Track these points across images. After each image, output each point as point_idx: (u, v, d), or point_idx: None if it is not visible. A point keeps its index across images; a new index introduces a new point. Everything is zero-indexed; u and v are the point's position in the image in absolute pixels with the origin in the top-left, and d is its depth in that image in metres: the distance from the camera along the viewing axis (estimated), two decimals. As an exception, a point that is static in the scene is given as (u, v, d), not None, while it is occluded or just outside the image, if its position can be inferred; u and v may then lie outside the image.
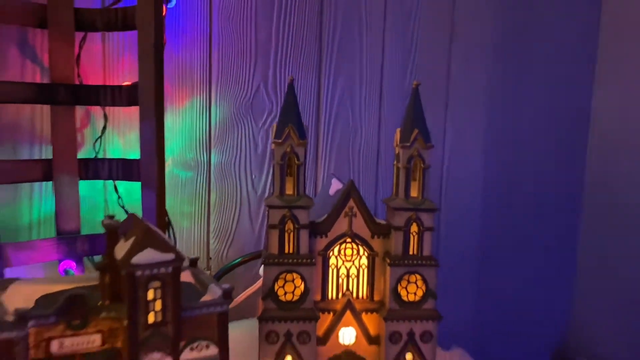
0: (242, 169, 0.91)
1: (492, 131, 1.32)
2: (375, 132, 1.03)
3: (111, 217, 0.49)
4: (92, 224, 0.73)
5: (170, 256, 0.46)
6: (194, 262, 0.55)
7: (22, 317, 0.43)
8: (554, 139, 1.54)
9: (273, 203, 0.55)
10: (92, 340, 0.47)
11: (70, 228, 0.69)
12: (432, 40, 1.10)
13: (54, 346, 0.45)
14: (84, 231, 0.70)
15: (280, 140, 0.54)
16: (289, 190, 0.55)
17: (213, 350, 0.50)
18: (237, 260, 0.85)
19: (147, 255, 0.45)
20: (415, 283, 0.57)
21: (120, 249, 0.47)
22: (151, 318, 0.46)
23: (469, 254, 1.34)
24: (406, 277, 0.57)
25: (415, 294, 0.57)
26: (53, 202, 0.68)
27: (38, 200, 0.71)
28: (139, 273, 0.45)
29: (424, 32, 1.09)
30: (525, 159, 1.46)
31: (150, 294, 0.46)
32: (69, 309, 0.46)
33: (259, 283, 0.66)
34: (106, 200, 0.76)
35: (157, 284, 0.46)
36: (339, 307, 0.57)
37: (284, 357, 0.55)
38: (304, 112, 0.96)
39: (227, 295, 0.50)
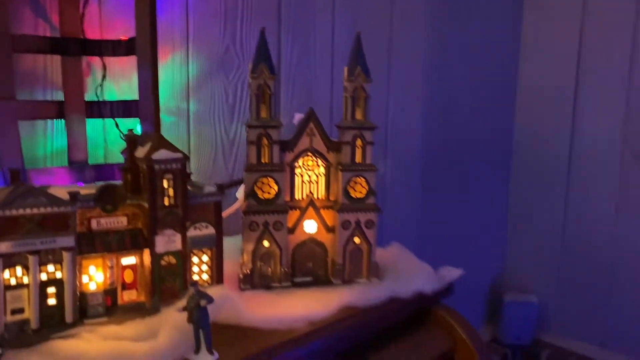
0: (216, 117, 1.07)
1: (429, 84, 1.52)
2: (328, 85, 1.21)
3: (131, 130, 0.65)
4: (96, 158, 0.88)
5: (179, 155, 0.62)
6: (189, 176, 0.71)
7: (74, 196, 0.58)
8: (486, 93, 1.75)
9: (252, 124, 0.71)
10: (120, 221, 0.63)
11: (79, 158, 0.84)
12: (376, 7, 1.29)
13: (93, 224, 0.61)
14: (91, 162, 0.85)
15: (255, 75, 0.71)
16: (264, 115, 0.72)
17: (211, 230, 0.67)
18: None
19: (162, 154, 0.62)
20: (360, 184, 0.75)
21: (140, 152, 0.63)
22: (166, 201, 0.63)
23: (412, 192, 1.54)
24: (353, 179, 0.75)
25: (360, 192, 0.75)
26: (65, 137, 0.83)
27: (51, 136, 0.85)
28: (156, 166, 0.61)
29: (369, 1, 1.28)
30: (461, 110, 1.66)
31: (165, 183, 0.62)
32: (103, 196, 0.61)
33: (237, 204, 0.83)
34: (106, 140, 0.91)
35: (169, 175, 0.62)
36: (303, 204, 0.75)
37: (263, 241, 0.73)
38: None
39: (221, 189, 0.67)
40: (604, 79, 1.69)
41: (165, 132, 1.00)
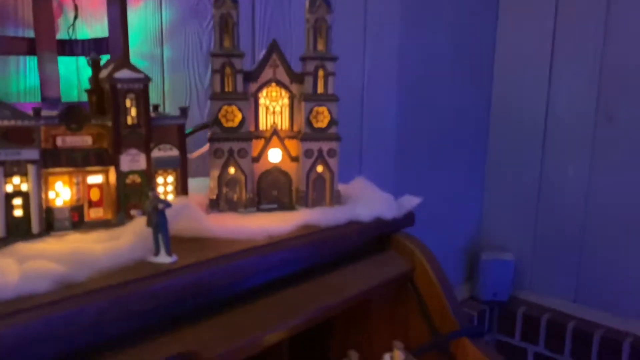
0: (190, 64, 1.09)
1: (406, 51, 1.54)
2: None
3: (94, 52, 0.67)
4: (69, 97, 0.90)
5: (141, 75, 0.65)
6: (155, 107, 0.73)
7: (37, 112, 0.60)
8: (463, 59, 1.77)
9: (215, 52, 0.74)
10: (85, 140, 0.65)
11: (52, 95, 0.86)
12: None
13: (59, 141, 0.64)
14: (64, 101, 0.87)
15: (218, 4, 0.73)
16: (227, 44, 0.74)
17: (175, 152, 0.69)
18: (189, 130, 1.04)
19: (125, 73, 0.64)
20: (323, 114, 0.78)
21: (104, 73, 0.65)
22: (129, 120, 0.65)
23: (387, 157, 1.57)
24: (316, 109, 0.77)
25: (322, 122, 0.78)
26: (37, 75, 0.85)
27: (24, 73, 0.87)
28: (119, 85, 0.63)
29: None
30: (439, 76, 1.69)
31: (128, 102, 0.65)
32: (68, 115, 0.63)
33: (206, 146, 0.86)
34: (79, 80, 0.93)
35: (132, 95, 0.65)
36: (268, 134, 0.78)
37: (228, 168, 0.75)
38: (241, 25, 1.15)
39: (184, 112, 0.70)
40: (579, 46, 1.73)
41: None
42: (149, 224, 0.57)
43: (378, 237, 0.81)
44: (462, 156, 1.87)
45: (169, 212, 0.58)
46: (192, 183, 0.74)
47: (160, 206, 0.56)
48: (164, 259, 0.57)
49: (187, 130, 1.05)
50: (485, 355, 0.73)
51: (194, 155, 0.93)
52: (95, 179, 0.66)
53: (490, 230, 1.99)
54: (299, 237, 0.68)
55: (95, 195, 0.66)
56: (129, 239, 0.57)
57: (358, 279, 0.72)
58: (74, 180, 0.65)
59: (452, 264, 1.93)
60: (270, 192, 0.79)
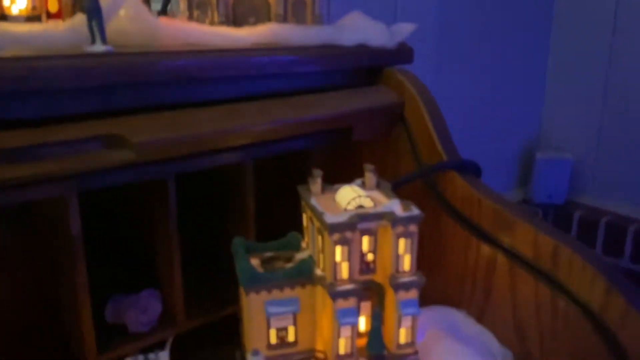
0: None
1: None
2: None
3: None
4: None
5: None
6: None
7: None
8: None
9: None
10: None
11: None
12: None
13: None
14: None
15: None
16: None
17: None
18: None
19: None
20: None
21: None
22: None
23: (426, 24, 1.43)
24: None
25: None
26: None
27: None
28: None
29: None
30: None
31: None
32: None
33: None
34: None
35: None
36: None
37: None
38: None
39: None
40: None
41: None
42: (81, 8, 0.54)
43: (368, 70, 0.75)
44: (520, 40, 1.70)
45: (107, 2, 0.55)
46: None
47: (90, -12, 0.53)
48: (98, 47, 0.54)
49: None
50: (475, 189, 0.66)
51: None
52: (52, -13, 0.64)
53: (550, 129, 1.84)
54: (262, 48, 0.63)
55: (53, 6, 0.65)
56: (65, 25, 0.54)
57: (329, 103, 0.66)
58: (28, -16, 0.63)
59: (504, 166, 1.81)
60: (247, 19, 0.73)
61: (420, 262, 0.56)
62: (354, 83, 0.73)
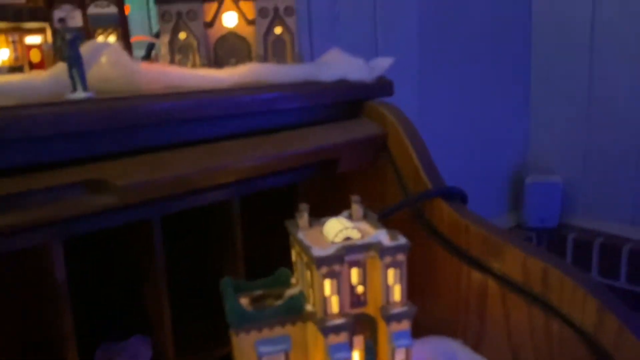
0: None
1: None
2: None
3: None
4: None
5: None
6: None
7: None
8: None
9: None
10: None
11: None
12: None
13: (-7, 0, 0.63)
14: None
15: None
16: None
17: (112, 9, 0.67)
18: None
19: None
20: (277, -30, 0.72)
21: None
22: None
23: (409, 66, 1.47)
24: (268, -35, 0.72)
25: (277, -22, 0.73)
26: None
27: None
28: None
29: None
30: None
31: None
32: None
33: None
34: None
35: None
36: (221, -3, 0.74)
37: (178, 32, 0.72)
38: None
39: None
40: None
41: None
42: (62, 57, 0.55)
43: (349, 105, 0.76)
44: (503, 65, 1.74)
45: (88, 49, 0.55)
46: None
47: (68, 36, 0.54)
48: (79, 94, 0.55)
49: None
50: (462, 216, 0.67)
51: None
52: (33, 39, 0.65)
53: (536, 151, 1.85)
54: (243, 87, 0.64)
55: (35, 56, 0.66)
56: (47, 74, 0.55)
57: (313, 137, 0.67)
58: (10, 38, 0.64)
59: (495, 191, 1.82)
60: (229, 60, 0.75)
61: (412, 292, 0.56)
62: (336, 117, 0.74)
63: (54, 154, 0.52)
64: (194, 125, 0.61)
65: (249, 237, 0.70)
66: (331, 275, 0.53)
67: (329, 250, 0.53)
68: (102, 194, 0.50)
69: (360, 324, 0.57)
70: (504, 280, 0.62)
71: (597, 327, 0.55)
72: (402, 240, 0.55)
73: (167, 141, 0.59)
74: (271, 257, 0.68)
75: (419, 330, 0.68)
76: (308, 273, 0.55)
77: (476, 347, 0.66)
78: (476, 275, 0.65)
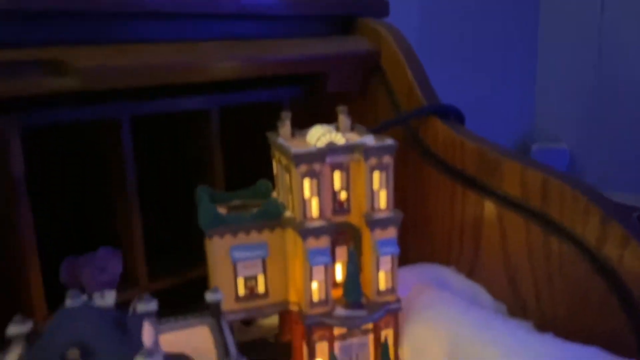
0: None
1: None
2: None
3: None
4: None
5: None
6: None
7: None
8: None
9: None
10: None
11: None
12: None
13: None
14: None
15: None
16: None
17: None
18: None
19: None
20: None
21: None
22: None
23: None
24: None
25: None
26: None
27: None
28: None
29: None
30: None
31: None
32: None
33: None
34: None
35: None
36: None
37: None
38: None
39: None
40: None
41: None
42: None
43: (341, 22, 0.71)
44: (510, 34, 1.69)
45: None
46: None
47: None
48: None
49: None
50: (457, 133, 0.62)
51: None
52: None
53: (542, 119, 1.80)
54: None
55: None
56: None
57: (298, 46, 0.63)
58: None
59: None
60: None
61: (405, 221, 0.51)
62: (327, 33, 0.69)
63: (11, 35, 0.47)
64: (171, 23, 0.56)
65: (231, 157, 0.66)
66: (311, 174, 0.49)
67: (310, 149, 0.49)
68: (63, 76, 0.46)
69: (343, 234, 0.52)
70: (500, 198, 0.58)
71: (600, 239, 0.51)
72: (388, 141, 0.50)
73: (141, 38, 0.55)
74: (253, 178, 0.64)
75: (410, 261, 0.64)
76: (287, 177, 0.51)
77: (470, 274, 0.62)
78: (472, 196, 0.61)
